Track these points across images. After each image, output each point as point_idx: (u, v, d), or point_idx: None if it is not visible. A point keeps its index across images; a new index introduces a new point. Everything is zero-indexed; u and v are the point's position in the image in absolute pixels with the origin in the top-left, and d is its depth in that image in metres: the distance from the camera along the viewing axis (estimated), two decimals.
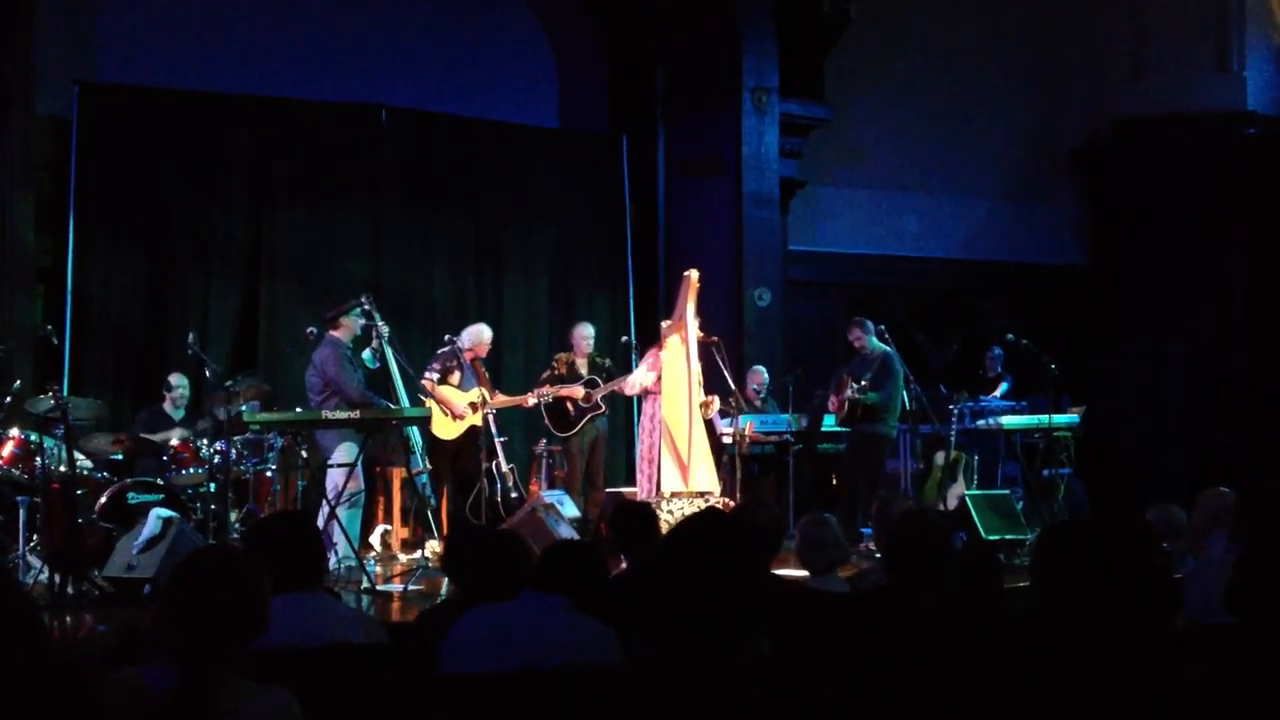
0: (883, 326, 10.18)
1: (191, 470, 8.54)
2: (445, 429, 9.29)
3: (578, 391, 9.78)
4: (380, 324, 8.68)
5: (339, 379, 8.24)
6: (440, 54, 11.82)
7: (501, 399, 9.55)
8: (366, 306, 8.66)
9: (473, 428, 9.37)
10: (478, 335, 9.66)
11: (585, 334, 10.11)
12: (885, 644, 3.92)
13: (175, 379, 9.32)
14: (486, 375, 9.60)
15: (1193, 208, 13.24)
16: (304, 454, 8.80)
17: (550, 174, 11.95)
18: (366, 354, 8.79)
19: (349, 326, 8.50)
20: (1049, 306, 13.64)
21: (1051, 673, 2.23)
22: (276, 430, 8.43)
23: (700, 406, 9.20)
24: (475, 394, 9.40)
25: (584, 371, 9.95)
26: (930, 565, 4.26)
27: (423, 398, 9.13)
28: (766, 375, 11.14)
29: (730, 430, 9.65)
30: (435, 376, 9.26)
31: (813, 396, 10.80)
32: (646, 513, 5.37)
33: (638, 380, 9.35)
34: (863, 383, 9.65)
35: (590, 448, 9.96)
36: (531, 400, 9.66)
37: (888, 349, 9.94)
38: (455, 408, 9.32)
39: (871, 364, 9.81)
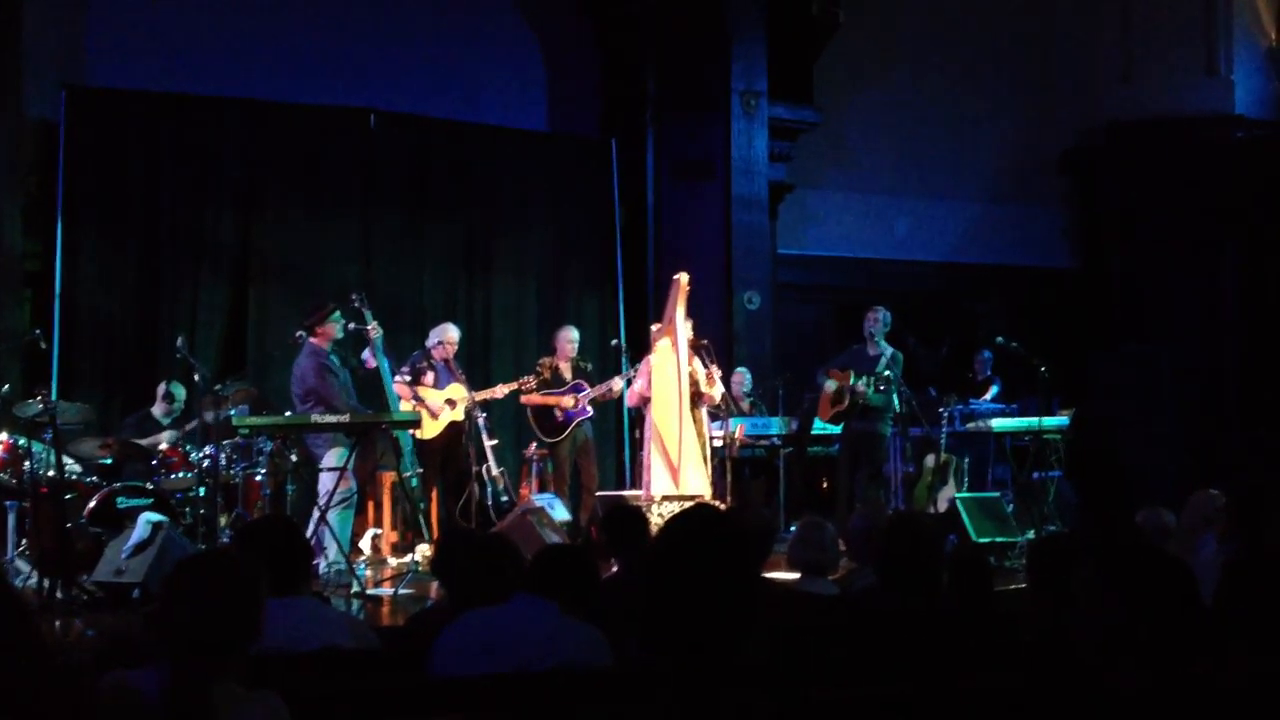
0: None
1: (180, 475, 8.49)
2: (425, 428, 9.27)
3: (566, 401, 9.79)
4: (371, 325, 8.64)
5: (320, 388, 8.18)
6: (430, 57, 11.81)
7: (481, 393, 9.56)
8: (356, 305, 8.62)
9: (455, 426, 9.37)
10: (442, 333, 9.67)
11: (569, 338, 10.11)
12: (875, 646, 3.91)
13: (176, 389, 9.22)
14: (463, 374, 9.58)
15: (1182, 210, 13.28)
16: (293, 458, 8.76)
17: (540, 177, 11.94)
18: (365, 353, 8.76)
19: (329, 332, 8.40)
20: (1039, 309, 13.65)
21: (1056, 671, 2.24)
22: (266, 434, 8.39)
23: (703, 395, 9.20)
24: (451, 390, 9.41)
25: (568, 376, 9.96)
26: (920, 568, 4.25)
27: (412, 401, 9.13)
28: (749, 377, 11.13)
29: (720, 433, 9.64)
30: (407, 379, 9.27)
31: (803, 400, 10.78)
32: (637, 515, 5.37)
33: (636, 392, 9.36)
34: (877, 382, 9.57)
35: (578, 452, 9.96)
36: (502, 391, 9.65)
37: (893, 348, 9.89)
38: (431, 406, 9.32)
39: (877, 361, 9.74)
